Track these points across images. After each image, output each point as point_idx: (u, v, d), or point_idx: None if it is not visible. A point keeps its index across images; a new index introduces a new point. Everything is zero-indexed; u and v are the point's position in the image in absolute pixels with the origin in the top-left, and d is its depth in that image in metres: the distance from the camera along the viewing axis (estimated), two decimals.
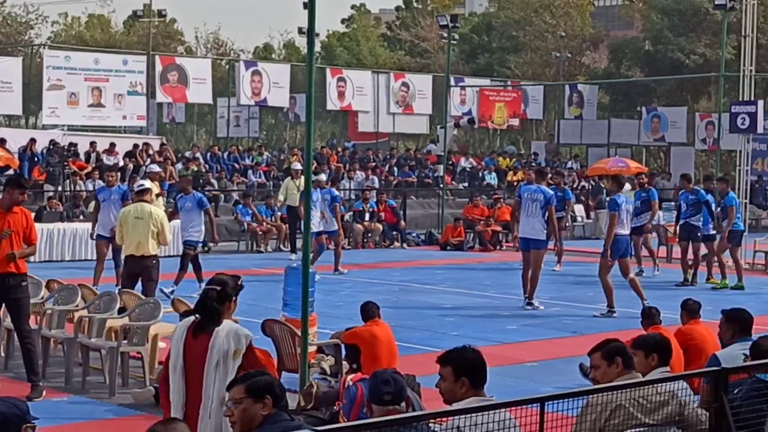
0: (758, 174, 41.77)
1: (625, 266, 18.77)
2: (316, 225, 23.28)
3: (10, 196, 11.81)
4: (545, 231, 19.10)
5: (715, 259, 23.25)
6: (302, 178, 24.69)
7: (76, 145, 33.75)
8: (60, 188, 30.97)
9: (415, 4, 70.55)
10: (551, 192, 19.55)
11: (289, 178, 27.57)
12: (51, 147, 32.97)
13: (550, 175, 22.90)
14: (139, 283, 15.79)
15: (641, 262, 24.60)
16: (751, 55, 28.20)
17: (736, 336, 8.93)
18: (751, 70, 28.28)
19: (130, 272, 15.51)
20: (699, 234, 22.96)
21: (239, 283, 7.58)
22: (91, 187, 29.81)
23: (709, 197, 23.41)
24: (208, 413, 7.25)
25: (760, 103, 28.87)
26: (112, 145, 34.72)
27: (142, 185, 16.39)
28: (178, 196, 20.64)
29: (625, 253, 18.80)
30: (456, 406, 6.28)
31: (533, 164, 45.02)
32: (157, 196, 21.42)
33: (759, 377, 7.32)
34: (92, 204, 23.46)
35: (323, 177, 25.43)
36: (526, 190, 19.43)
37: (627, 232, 18.82)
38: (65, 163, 31.35)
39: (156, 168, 25.46)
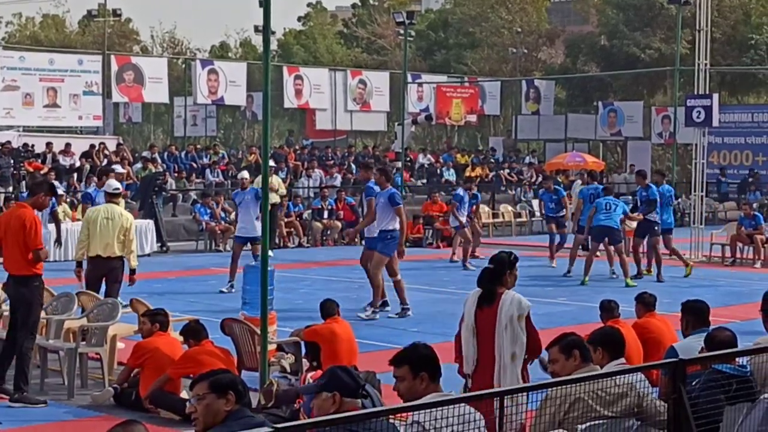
0: (720, 167, 41.91)
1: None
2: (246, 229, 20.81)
3: (43, 200, 12.09)
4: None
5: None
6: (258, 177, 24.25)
7: (32, 146, 33.47)
8: (13, 189, 30.64)
9: (371, 2, 70.40)
10: (393, 190, 18.03)
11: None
12: (0, 148, 32.72)
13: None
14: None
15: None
16: (706, 49, 28.38)
17: (693, 327, 9.00)
18: (705, 64, 28.46)
19: (97, 274, 15.21)
20: (656, 228, 23.13)
21: (512, 258, 9.09)
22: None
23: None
24: (503, 368, 8.57)
25: (715, 96, 29.06)
26: (68, 145, 34.48)
27: (118, 188, 16.30)
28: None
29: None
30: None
31: (491, 160, 45.19)
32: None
33: (716, 368, 7.37)
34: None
35: (246, 175, 22.43)
36: (377, 193, 17.80)
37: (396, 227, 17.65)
38: (21, 165, 31.09)
39: (120, 169, 25.35)
